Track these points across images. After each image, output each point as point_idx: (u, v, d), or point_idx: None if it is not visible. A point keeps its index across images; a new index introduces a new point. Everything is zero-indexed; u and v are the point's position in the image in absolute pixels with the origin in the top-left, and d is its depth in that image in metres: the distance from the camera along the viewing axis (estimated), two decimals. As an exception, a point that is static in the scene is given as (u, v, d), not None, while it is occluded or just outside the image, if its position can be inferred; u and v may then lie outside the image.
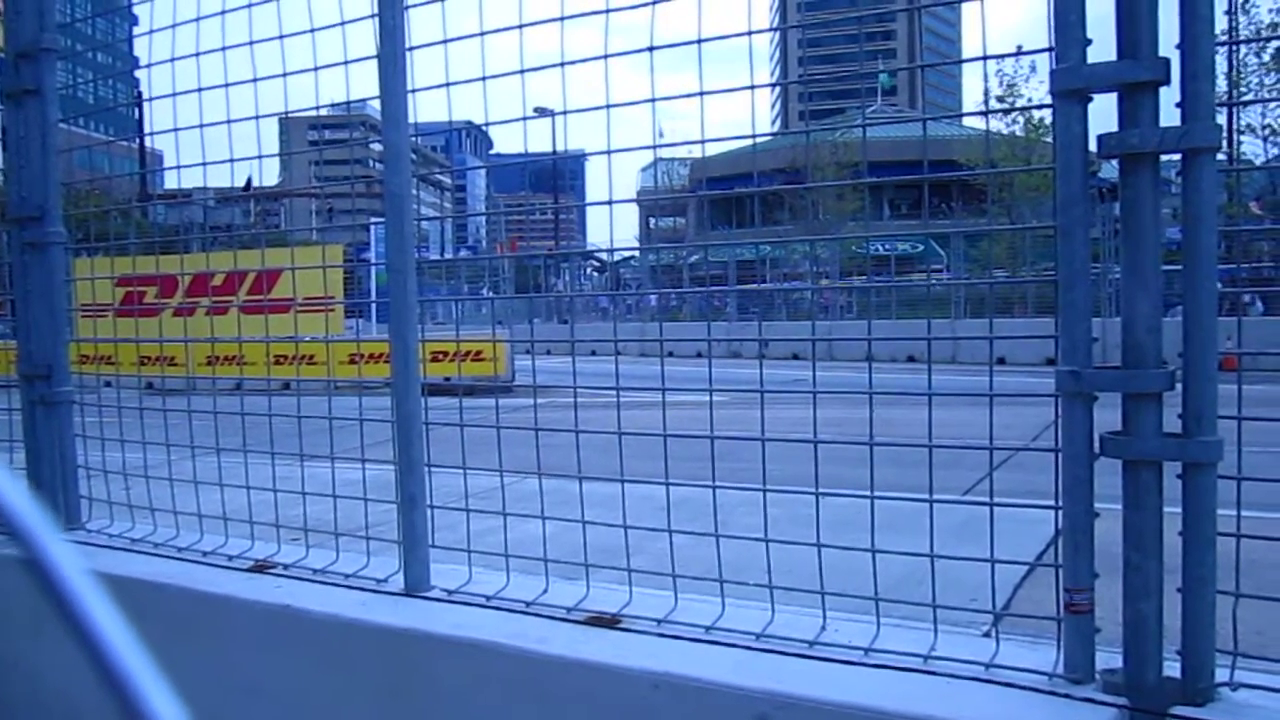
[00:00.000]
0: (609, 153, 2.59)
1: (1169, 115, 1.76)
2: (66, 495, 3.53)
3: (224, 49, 3.05)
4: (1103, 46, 1.80)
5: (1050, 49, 1.86)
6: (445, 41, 2.66)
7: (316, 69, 2.90)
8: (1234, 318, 1.99)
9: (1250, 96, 26.35)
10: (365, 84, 2.74)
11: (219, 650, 2.80)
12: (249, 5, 3.01)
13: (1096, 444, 1.86)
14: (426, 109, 2.71)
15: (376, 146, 2.73)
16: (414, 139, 2.74)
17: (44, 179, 3.43)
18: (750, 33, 2.45)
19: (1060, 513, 1.91)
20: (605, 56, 2.45)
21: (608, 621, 2.39)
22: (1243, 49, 24.38)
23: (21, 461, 3.51)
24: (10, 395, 3.63)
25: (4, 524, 0.66)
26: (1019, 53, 2.26)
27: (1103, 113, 1.83)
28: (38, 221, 3.43)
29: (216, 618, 2.86)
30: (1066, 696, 1.87)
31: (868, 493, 2.21)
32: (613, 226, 2.96)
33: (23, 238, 3.45)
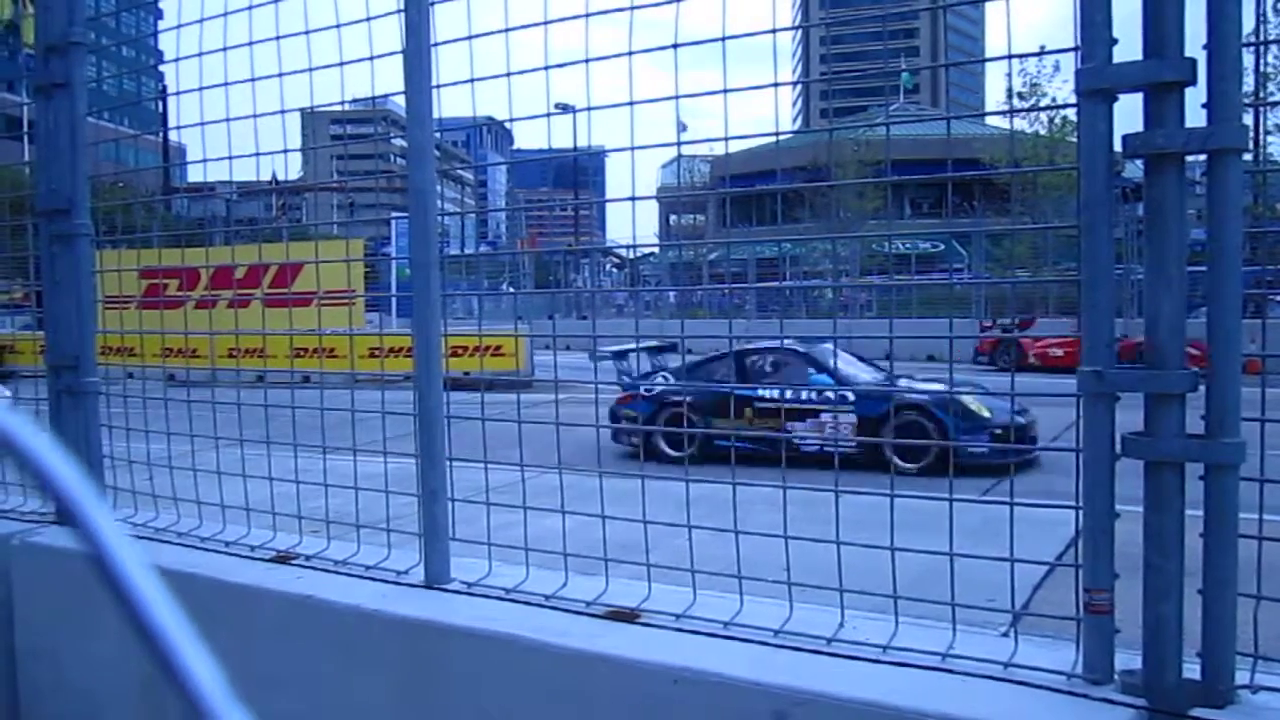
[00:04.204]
0: (632, 149, 2.60)
1: (1195, 115, 1.75)
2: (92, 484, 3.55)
3: (250, 44, 3.07)
4: (1128, 46, 1.80)
5: (1076, 48, 1.86)
6: (470, 38, 2.67)
7: (342, 64, 2.92)
8: (1258, 320, 1.98)
9: (1279, 97, 26.07)
10: (389, 80, 2.76)
11: (241, 639, 2.82)
12: (275, 1, 3.03)
13: (1118, 444, 1.86)
14: (448, 104, 2.73)
15: (398, 142, 2.75)
16: (436, 134, 2.75)
17: (72, 172, 3.46)
18: (774, 30, 2.45)
19: (1080, 513, 1.91)
20: (629, 54, 2.46)
21: (627, 616, 2.40)
22: (1270, 50, 24.12)
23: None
24: (37, 385, 3.67)
25: (63, 511, 0.67)
26: (1044, 52, 2.26)
27: (1127, 112, 1.82)
28: (65, 214, 3.46)
29: (239, 607, 2.89)
30: (1085, 697, 1.87)
31: (887, 491, 2.22)
32: (635, 223, 2.97)
33: (51, 230, 3.49)
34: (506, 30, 2.63)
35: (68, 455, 0.65)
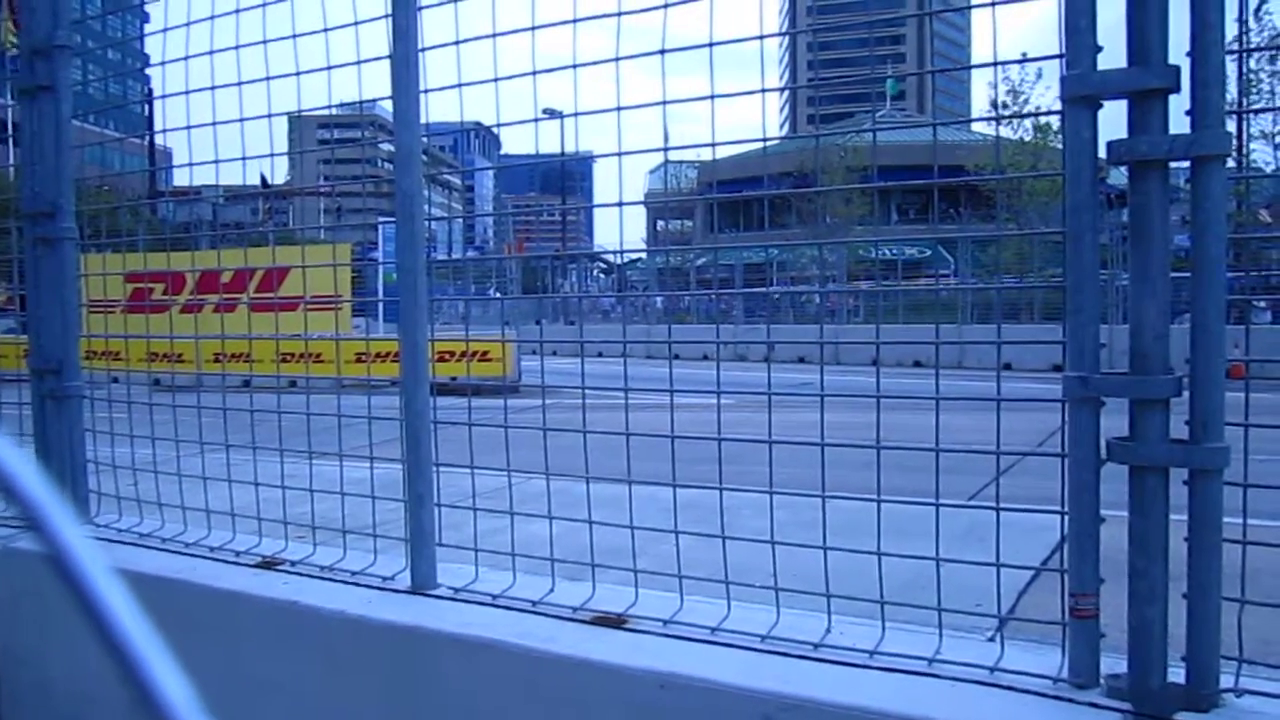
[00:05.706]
0: (619, 154, 2.60)
1: (1178, 122, 1.76)
2: (75, 490, 3.54)
3: (237, 48, 3.06)
4: (1113, 53, 1.81)
5: (1060, 55, 1.87)
6: (457, 43, 2.67)
7: (329, 68, 2.91)
8: (1242, 325, 2.00)
9: (1261, 104, 26.25)
10: (377, 84, 2.76)
11: (226, 645, 2.81)
12: (263, 4, 3.02)
13: (1103, 449, 1.86)
14: (436, 109, 2.72)
15: (386, 146, 2.74)
16: (423, 139, 2.75)
17: (57, 175, 3.44)
18: (761, 36, 2.46)
19: (1066, 518, 1.91)
20: (617, 59, 2.46)
21: (614, 621, 2.40)
22: (1253, 57, 24.29)
23: (30, 456, 3.52)
24: (20, 389, 3.65)
25: (26, 517, 0.67)
26: (1030, 59, 2.27)
27: (1112, 119, 1.83)
28: (50, 217, 3.44)
29: (224, 613, 2.87)
30: (1071, 701, 1.88)
31: (874, 496, 2.22)
32: (622, 228, 2.97)
33: (35, 233, 3.47)
34: (494, 35, 2.63)
35: (31, 459, 0.65)
